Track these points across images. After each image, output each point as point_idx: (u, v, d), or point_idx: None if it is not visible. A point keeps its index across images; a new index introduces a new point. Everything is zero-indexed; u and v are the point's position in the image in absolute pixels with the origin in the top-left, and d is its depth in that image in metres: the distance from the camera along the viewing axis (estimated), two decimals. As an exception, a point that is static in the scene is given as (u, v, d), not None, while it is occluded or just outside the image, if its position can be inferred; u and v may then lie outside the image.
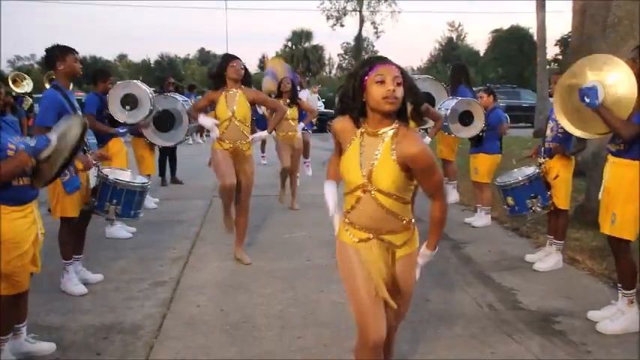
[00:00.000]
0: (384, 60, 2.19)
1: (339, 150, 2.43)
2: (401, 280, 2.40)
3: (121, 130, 5.97)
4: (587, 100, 3.51)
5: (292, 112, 7.14)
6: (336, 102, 2.44)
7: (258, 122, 8.68)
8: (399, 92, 2.14)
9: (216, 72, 4.88)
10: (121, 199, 4.50)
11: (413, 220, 2.38)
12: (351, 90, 2.22)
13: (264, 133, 5.45)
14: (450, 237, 5.92)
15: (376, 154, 2.22)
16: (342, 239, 2.43)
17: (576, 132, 3.93)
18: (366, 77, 2.16)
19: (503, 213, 5.43)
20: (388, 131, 2.23)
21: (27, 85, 8.29)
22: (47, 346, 3.32)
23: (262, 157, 11.46)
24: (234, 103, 4.75)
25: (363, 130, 2.28)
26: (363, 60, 2.31)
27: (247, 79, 4.90)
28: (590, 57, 3.82)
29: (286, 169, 7.15)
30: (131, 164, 6.64)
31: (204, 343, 3.46)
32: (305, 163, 9.06)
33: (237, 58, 4.82)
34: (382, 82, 2.12)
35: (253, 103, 4.97)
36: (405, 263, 2.38)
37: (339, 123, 2.36)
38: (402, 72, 2.18)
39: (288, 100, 7.01)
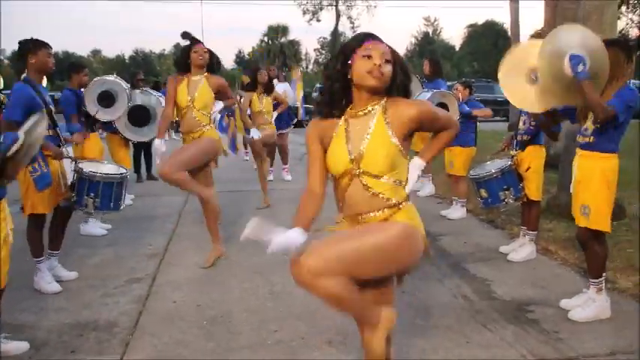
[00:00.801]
0: (373, 36, 2.09)
1: (320, 158, 2.20)
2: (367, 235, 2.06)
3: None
4: (580, 69, 3.28)
5: (267, 105, 7.17)
6: (318, 89, 2.33)
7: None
8: (387, 69, 2.04)
9: (179, 58, 4.69)
10: (98, 192, 4.45)
11: (406, 202, 2.18)
12: (338, 65, 2.09)
13: (219, 106, 5.00)
14: (425, 229, 5.96)
15: (367, 134, 2.09)
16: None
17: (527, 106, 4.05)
18: (354, 54, 2.06)
19: (478, 205, 5.50)
20: (376, 106, 2.12)
21: (-4, 82, 8.11)
22: (20, 345, 3.28)
23: (245, 152, 11.20)
24: (196, 89, 4.56)
25: (346, 117, 2.15)
26: (354, 36, 2.17)
27: (213, 65, 4.69)
28: (567, 27, 3.68)
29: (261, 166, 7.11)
30: (106, 160, 6.59)
31: (181, 339, 3.45)
32: (283, 168, 9.03)
33: (200, 42, 4.63)
34: (369, 56, 2.02)
35: (217, 92, 4.72)
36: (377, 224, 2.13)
37: (315, 126, 2.20)
38: (392, 50, 2.09)
39: (262, 90, 7.04)
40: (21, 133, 2.76)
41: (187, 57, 4.58)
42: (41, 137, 2.79)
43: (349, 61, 2.07)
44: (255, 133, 6.79)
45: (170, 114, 4.69)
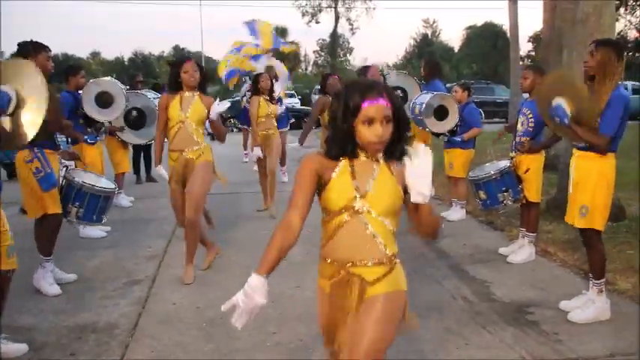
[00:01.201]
0: (374, 94, 1.93)
1: (311, 193, 2.01)
2: (366, 324, 1.97)
3: (90, 140, 5.90)
4: (558, 120, 3.63)
5: (273, 109, 6.84)
6: (327, 128, 2.14)
7: (242, 116, 8.41)
8: (388, 131, 1.93)
9: (170, 78, 4.49)
10: (83, 203, 4.44)
11: (397, 260, 2.07)
12: (343, 125, 1.95)
13: (224, 106, 4.50)
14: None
15: (373, 175, 1.99)
16: (319, 283, 2.13)
17: None
18: (358, 112, 1.92)
19: (477, 207, 5.50)
20: (378, 155, 2.01)
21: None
22: (19, 347, 3.28)
23: (245, 154, 11.12)
24: (190, 105, 4.38)
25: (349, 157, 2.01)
26: (353, 86, 2.00)
27: (204, 84, 4.52)
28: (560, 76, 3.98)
29: (263, 174, 6.88)
30: (105, 163, 6.59)
31: (180, 341, 3.45)
32: (281, 170, 8.95)
33: (189, 60, 4.46)
34: (370, 122, 1.91)
35: (209, 109, 4.43)
36: (374, 303, 1.98)
37: (317, 160, 2.01)
38: (393, 103, 1.95)
39: (267, 98, 6.73)
40: (9, 88, 2.76)
41: (177, 76, 4.39)
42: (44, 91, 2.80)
43: (354, 121, 1.94)
44: (257, 152, 6.62)
45: (162, 140, 4.59)
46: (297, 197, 2.00)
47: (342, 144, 1.98)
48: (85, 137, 5.79)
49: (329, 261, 2.03)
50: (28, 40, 4.16)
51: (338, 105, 1.98)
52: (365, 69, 6.50)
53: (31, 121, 3.05)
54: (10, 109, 2.76)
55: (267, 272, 1.95)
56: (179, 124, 4.38)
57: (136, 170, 9.19)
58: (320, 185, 2.01)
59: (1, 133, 2.81)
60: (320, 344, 3.30)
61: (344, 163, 2.00)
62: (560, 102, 3.60)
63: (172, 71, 4.46)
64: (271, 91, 6.91)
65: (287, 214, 2.00)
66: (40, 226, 4.19)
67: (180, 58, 4.56)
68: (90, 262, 4.99)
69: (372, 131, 1.91)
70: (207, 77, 4.60)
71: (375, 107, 1.91)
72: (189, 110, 4.37)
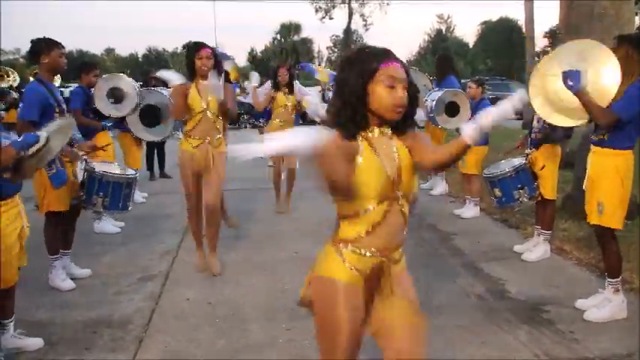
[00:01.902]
0: (393, 57, 1.83)
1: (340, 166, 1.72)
2: (401, 302, 1.93)
3: (108, 124, 5.93)
4: (570, 83, 3.46)
5: (292, 100, 6.68)
6: (330, 99, 1.99)
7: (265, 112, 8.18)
8: (405, 101, 1.82)
9: (186, 64, 4.45)
10: (108, 192, 4.47)
11: None
12: (357, 87, 1.80)
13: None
14: (438, 228, 5.94)
15: (394, 154, 1.86)
16: (333, 275, 1.88)
17: (553, 118, 3.91)
18: (374, 75, 1.80)
19: (492, 204, 5.46)
20: (387, 130, 1.89)
21: (14, 80, 8.20)
22: (35, 342, 3.31)
23: None
24: (208, 94, 4.35)
25: (365, 134, 1.85)
26: (367, 50, 1.87)
27: (218, 70, 4.39)
28: (578, 42, 3.80)
29: (277, 173, 6.79)
30: (118, 159, 6.62)
31: (193, 337, 3.46)
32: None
33: (205, 47, 4.39)
34: (392, 86, 1.78)
35: (225, 95, 4.40)
36: (403, 278, 1.97)
37: (337, 140, 1.78)
38: (407, 73, 1.86)
39: (286, 90, 6.66)
40: (43, 134, 2.79)
41: (192, 63, 4.37)
42: (63, 144, 2.83)
43: (368, 83, 1.80)
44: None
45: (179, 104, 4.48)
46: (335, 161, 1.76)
47: (353, 114, 1.81)
48: (103, 122, 5.85)
49: (368, 254, 1.86)
50: (41, 37, 4.18)
51: (350, 69, 1.83)
52: None
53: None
54: (31, 151, 2.78)
55: None
56: (200, 114, 4.38)
57: (150, 167, 9.23)
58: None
59: (17, 170, 2.84)
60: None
61: (364, 144, 1.83)
62: (581, 70, 3.44)
63: (188, 56, 4.45)
64: (290, 83, 6.76)
65: None
66: (46, 224, 4.23)
67: (196, 43, 4.47)
68: (104, 258, 5.03)
69: (394, 94, 1.78)
70: (221, 67, 4.53)
71: (396, 69, 1.80)
72: (209, 99, 4.36)
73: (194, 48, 4.40)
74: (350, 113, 1.82)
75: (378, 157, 1.81)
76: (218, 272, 4.53)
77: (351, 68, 1.83)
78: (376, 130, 1.86)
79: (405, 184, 1.86)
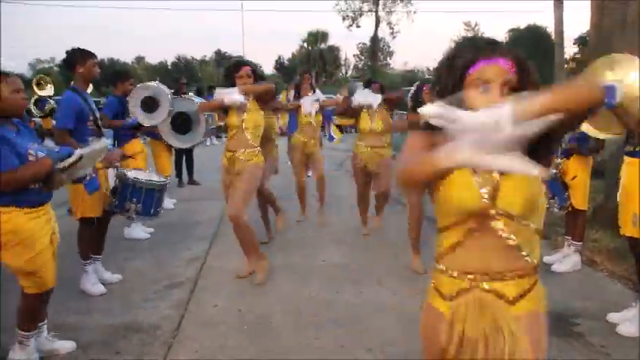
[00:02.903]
0: (492, 50, 1.52)
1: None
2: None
3: (142, 137, 6.04)
4: (605, 100, 3.43)
5: (317, 115, 6.56)
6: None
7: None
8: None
9: (225, 82, 4.63)
10: (140, 198, 4.55)
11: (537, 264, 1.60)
12: (449, 81, 1.56)
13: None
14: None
15: None
16: (432, 303, 1.64)
17: (591, 131, 3.86)
18: (467, 72, 1.53)
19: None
20: None
21: (49, 89, 8.41)
22: (68, 345, 3.39)
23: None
24: (245, 111, 4.53)
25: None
26: (463, 41, 1.64)
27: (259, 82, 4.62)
28: (610, 56, 3.77)
29: (301, 186, 6.66)
30: (149, 165, 6.72)
31: (222, 343, 3.49)
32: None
33: (245, 65, 4.58)
34: (487, 89, 1.49)
35: (264, 109, 4.70)
36: (528, 324, 1.54)
37: (426, 139, 1.58)
38: (520, 62, 1.53)
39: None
40: (78, 152, 2.89)
41: (232, 81, 4.54)
42: (93, 165, 2.93)
43: (462, 81, 1.54)
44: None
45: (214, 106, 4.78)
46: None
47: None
48: (131, 121, 5.93)
49: (454, 275, 1.57)
50: (76, 48, 4.30)
51: (442, 67, 1.60)
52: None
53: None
54: (62, 165, 2.88)
55: None
56: (236, 129, 4.54)
57: (179, 173, 9.35)
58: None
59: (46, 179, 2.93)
60: (361, 352, 3.30)
61: None
62: (616, 84, 3.40)
63: (228, 74, 4.60)
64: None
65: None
66: (81, 230, 4.32)
67: (236, 62, 4.62)
68: (134, 263, 5.11)
69: (486, 97, 1.47)
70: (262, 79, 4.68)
71: (494, 66, 1.49)
72: (245, 116, 4.51)
73: (234, 67, 4.57)
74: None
75: (470, 170, 1.51)
76: (259, 282, 4.51)
77: (443, 65, 1.60)
78: None
79: (508, 199, 1.50)
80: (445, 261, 1.59)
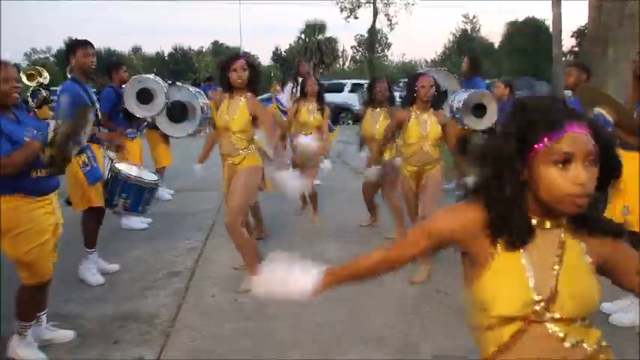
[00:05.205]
0: (571, 114, 1.27)
1: (441, 241, 1.43)
2: None
3: (132, 135, 6.03)
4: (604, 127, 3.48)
5: (317, 120, 6.02)
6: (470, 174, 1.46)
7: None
8: (594, 179, 1.24)
9: (220, 75, 4.26)
10: (130, 194, 4.56)
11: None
12: (510, 150, 1.28)
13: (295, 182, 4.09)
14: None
15: (556, 261, 1.34)
16: None
17: None
18: (537, 145, 1.25)
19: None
20: (556, 228, 1.36)
21: (44, 79, 8.36)
22: (67, 334, 3.41)
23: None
24: (234, 111, 4.15)
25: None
26: (530, 105, 1.32)
27: (255, 81, 4.21)
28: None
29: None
30: (146, 156, 6.73)
31: (219, 333, 3.52)
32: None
33: (239, 58, 4.19)
34: (567, 163, 1.23)
35: (253, 115, 4.16)
36: None
37: (460, 216, 1.38)
38: (599, 136, 1.28)
39: (315, 105, 6.00)
40: (52, 121, 2.92)
41: (226, 75, 4.15)
42: (85, 126, 2.94)
43: (529, 154, 1.27)
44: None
45: (212, 137, 4.59)
46: (420, 237, 1.48)
47: (511, 210, 1.30)
48: (127, 132, 5.93)
49: None
50: (73, 38, 4.32)
51: (506, 135, 1.30)
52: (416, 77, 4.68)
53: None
54: (49, 139, 2.89)
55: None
56: (223, 130, 4.23)
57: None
58: (464, 256, 1.41)
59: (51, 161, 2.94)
60: (358, 343, 3.33)
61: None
62: (600, 111, 3.49)
63: (222, 69, 4.22)
64: (320, 98, 6.10)
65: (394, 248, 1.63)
66: (86, 220, 4.34)
67: (231, 55, 4.35)
68: (131, 253, 5.13)
69: (569, 175, 1.23)
70: (258, 77, 4.32)
71: (577, 135, 1.23)
72: (233, 117, 4.15)
73: (229, 59, 4.24)
74: (510, 223, 1.32)
75: (524, 265, 1.32)
76: (241, 289, 4.16)
77: (506, 135, 1.32)
78: (535, 221, 1.34)
79: (566, 304, 1.32)
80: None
